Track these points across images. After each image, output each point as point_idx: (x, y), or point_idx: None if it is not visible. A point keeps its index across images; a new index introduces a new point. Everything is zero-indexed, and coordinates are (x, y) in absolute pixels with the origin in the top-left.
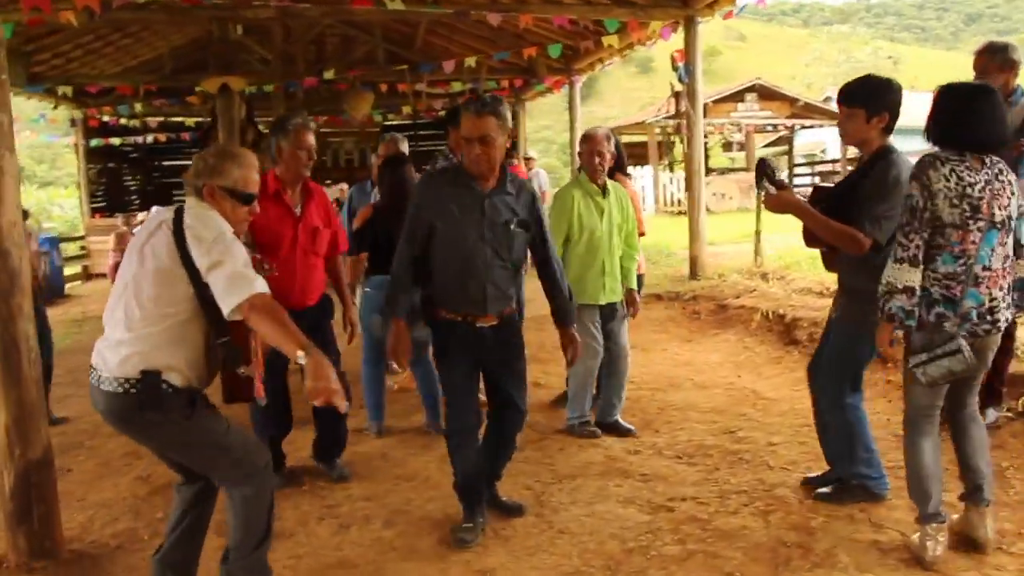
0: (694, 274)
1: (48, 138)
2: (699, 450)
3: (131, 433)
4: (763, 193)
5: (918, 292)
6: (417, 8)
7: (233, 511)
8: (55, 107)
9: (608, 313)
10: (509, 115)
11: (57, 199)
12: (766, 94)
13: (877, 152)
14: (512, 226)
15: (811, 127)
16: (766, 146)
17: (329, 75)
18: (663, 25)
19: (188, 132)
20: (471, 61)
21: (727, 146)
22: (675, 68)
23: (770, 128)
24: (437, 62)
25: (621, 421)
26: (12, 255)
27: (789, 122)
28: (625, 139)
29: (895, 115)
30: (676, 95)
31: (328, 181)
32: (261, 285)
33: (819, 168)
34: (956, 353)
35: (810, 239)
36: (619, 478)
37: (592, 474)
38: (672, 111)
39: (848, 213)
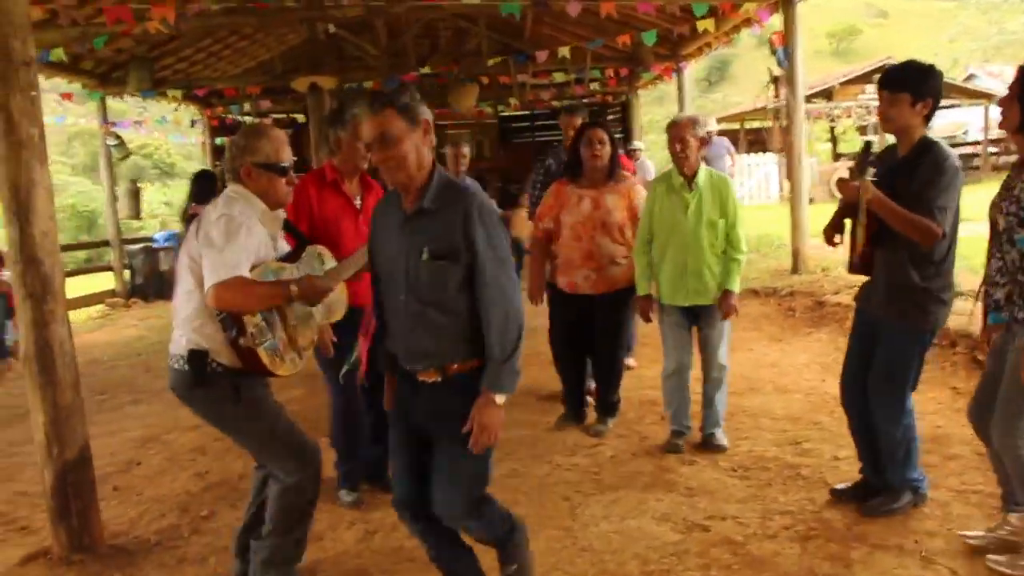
0: (796, 268)
1: (176, 138)
2: (757, 463)
3: (193, 410)
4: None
5: None
6: (492, 1)
7: (271, 496)
8: (176, 109)
9: (700, 317)
10: (422, 108)
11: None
12: None
13: (922, 142)
14: (423, 256)
15: (949, 107)
16: None
17: (425, 70)
18: (759, 7)
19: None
20: (565, 51)
21: (862, 129)
22: (774, 52)
23: None
24: (531, 52)
25: (717, 435)
26: (44, 263)
27: None
28: (749, 125)
29: (937, 102)
30: (775, 80)
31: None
32: (230, 272)
33: (960, 150)
34: None
35: (830, 233)
36: (662, 491)
37: (636, 486)
38: (774, 97)
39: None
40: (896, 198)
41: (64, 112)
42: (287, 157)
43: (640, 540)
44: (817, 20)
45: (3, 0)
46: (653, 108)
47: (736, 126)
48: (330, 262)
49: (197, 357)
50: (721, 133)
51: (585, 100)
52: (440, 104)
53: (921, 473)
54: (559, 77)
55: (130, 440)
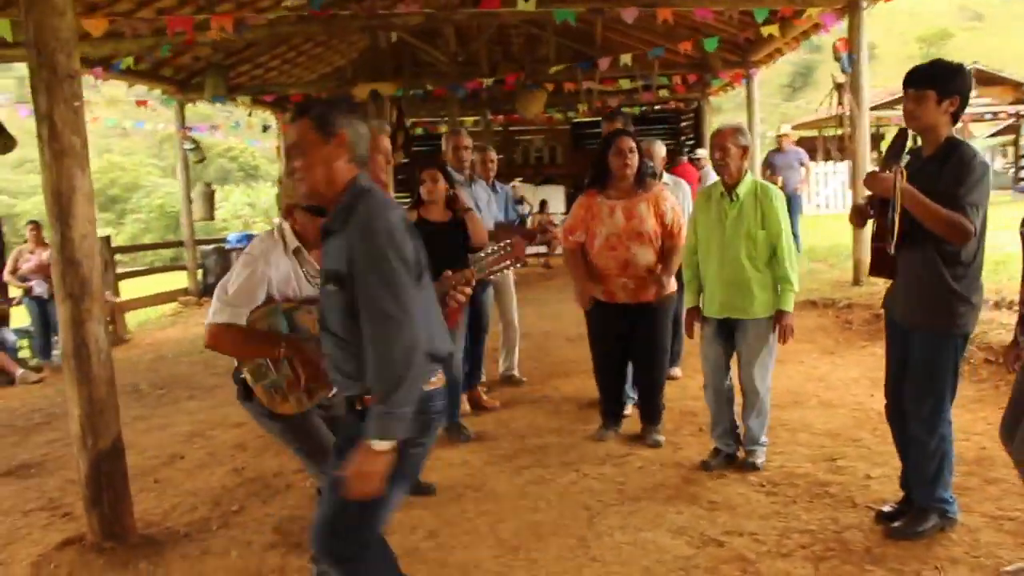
0: (857, 280)
1: (253, 143)
2: (787, 478)
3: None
4: (893, 169)
5: None
6: (548, 8)
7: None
8: (249, 114)
9: (737, 332)
10: (343, 121)
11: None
12: (985, 79)
13: (949, 142)
14: (321, 281)
15: None
16: (991, 136)
17: (487, 81)
18: (822, 12)
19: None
20: (627, 58)
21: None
22: (837, 58)
23: (989, 116)
24: (594, 59)
25: (752, 454)
26: (83, 265)
27: (1012, 108)
28: (826, 132)
29: (964, 101)
30: (839, 87)
31: (519, 178)
32: (218, 318)
33: None
34: None
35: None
36: (684, 504)
37: (659, 498)
38: (838, 106)
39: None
40: (934, 196)
41: (144, 118)
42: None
43: (652, 553)
44: (908, 24)
45: (49, 17)
46: (738, 114)
47: (814, 133)
48: None
49: (237, 373)
50: (799, 141)
51: (657, 107)
52: (509, 110)
53: (951, 495)
54: (625, 84)
55: (178, 434)
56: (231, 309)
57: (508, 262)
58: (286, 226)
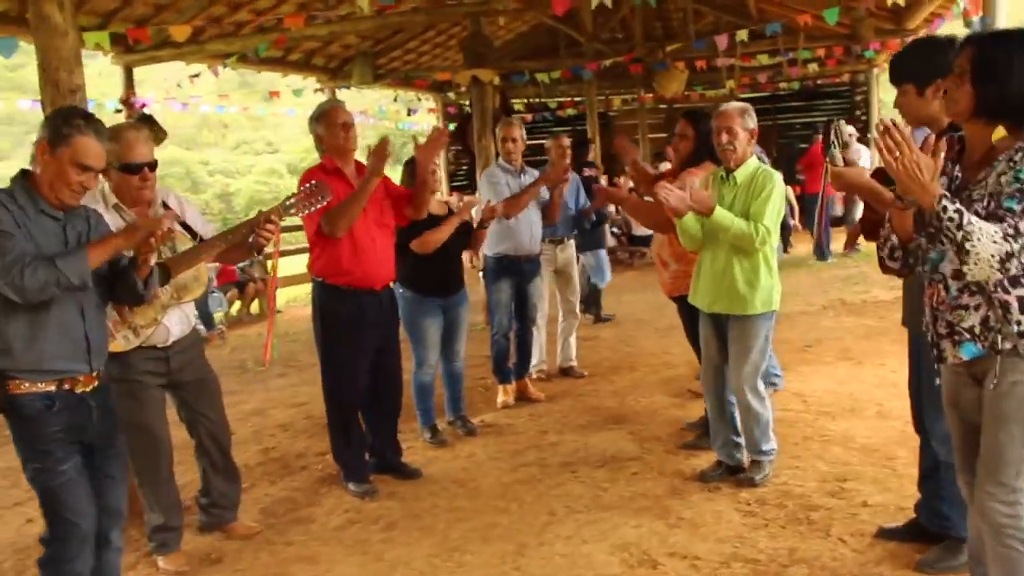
0: None
1: (404, 126)
2: (779, 498)
3: None
4: (828, 162)
5: None
6: None
7: None
8: (395, 99)
9: (726, 329)
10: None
11: None
12: None
13: (950, 127)
14: None
15: None
16: None
17: (607, 62)
18: None
19: (548, 113)
20: (742, 35)
21: None
22: (967, 23)
23: None
24: (709, 38)
25: (752, 465)
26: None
27: None
28: None
29: None
30: None
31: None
32: None
33: None
34: None
35: (869, 232)
36: (650, 518)
37: (630, 508)
38: None
39: None
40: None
41: (292, 106)
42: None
43: (578, 568)
44: None
45: (52, 38)
46: None
47: None
48: (182, 246)
49: None
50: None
51: (820, 81)
52: (647, 89)
53: None
54: (765, 59)
55: (243, 411)
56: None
57: (315, 199)
58: (105, 185)
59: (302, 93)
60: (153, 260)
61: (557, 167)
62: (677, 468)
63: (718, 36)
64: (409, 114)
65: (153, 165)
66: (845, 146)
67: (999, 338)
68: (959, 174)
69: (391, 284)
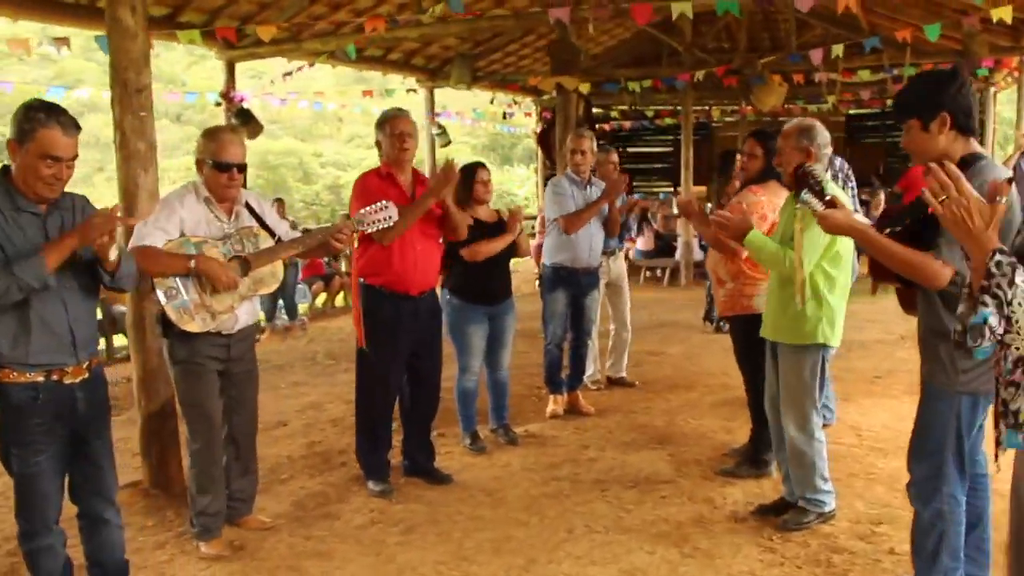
0: None
1: (504, 129)
2: (807, 536)
3: None
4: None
5: None
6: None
7: None
8: (492, 101)
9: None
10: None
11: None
12: None
13: (964, 159)
14: None
15: None
16: None
17: (699, 74)
18: None
19: (646, 121)
20: (838, 50)
21: None
22: None
23: None
24: (805, 52)
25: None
26: None
27: None
28: None
29: (960, 109)
30: None
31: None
32: (136, 242)
33: None
34: None
35: (878, 272)
36: (665, 546)
37: (648, 533)
38: None
39: (931, 239)
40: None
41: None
42: (228, 156)
43: None
44: None
45: (123, 39)
46: None
47: None
48: (264, 243)
49: (159, 315)
50: None
51: None
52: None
53: None
54: (866, 75)
55: (302, 403)
56: (147, 233)
57: (382, 219)
58: (199, 179)
59: (394, 93)
60: (113, 254)
61: (615, 181)
62: (707, 495)
63: (813, 50)
64: (505, 117)
65: (242, 167)
66: (821, 189)
67: None
68: None
69: (434, 290)
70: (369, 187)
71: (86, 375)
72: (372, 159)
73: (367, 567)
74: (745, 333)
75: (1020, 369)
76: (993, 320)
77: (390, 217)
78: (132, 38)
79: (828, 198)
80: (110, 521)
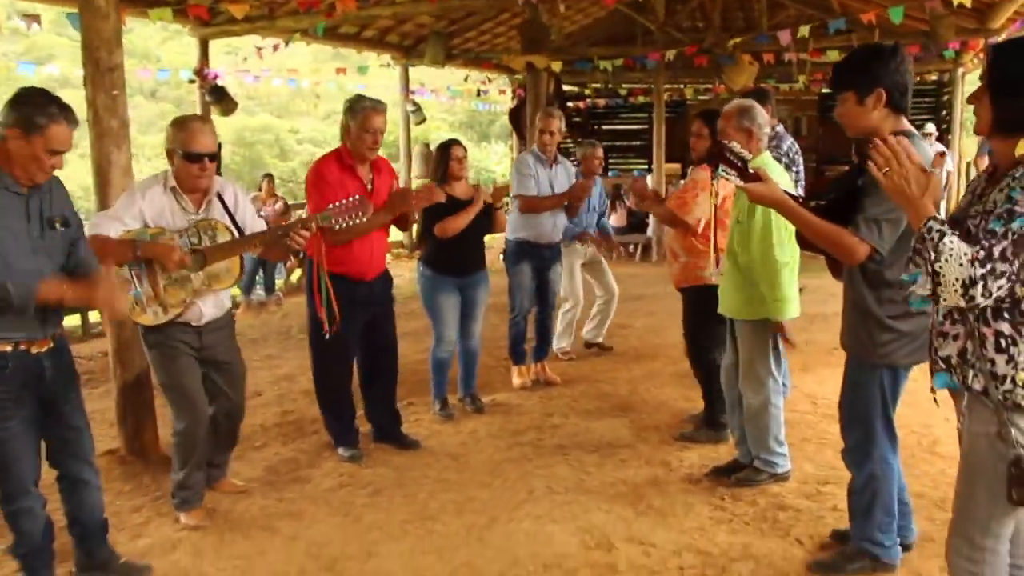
0: None
1: (480, 106)
2: (756, 495)
3: None
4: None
5: None
6: None
7: None
8: (466, 79)
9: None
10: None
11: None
12: None
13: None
14: None
15: None
16: None
17: (671, 53)
18: None
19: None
20: (804, 31)
21: None
22: None
23: None
24: (774, 33)
25: (748, 471)
26: None
27: None
28: None
29: (896, 87)
30: None
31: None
32: (91, 231)
33: None
34: None
35: (803, 242)
36: (622, 504)
37: (606, 494)
38: None
39: (851, 214)
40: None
41: (362, 82)
42: (199, 146)
43: (536, 546)
44: None
45: (94, 19)
46: None
47: None
48: (222, 237)
49: None
50: None
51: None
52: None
53: (889, 539)
54: (834, 56)
55: (275, 375)
56: (101, 223)
57: (354, 215)
58: (168, 169)
59: (367, 70)
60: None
61: (580, 187)
62: (664, 459)
63: (781, 31)
64: (479, 95)
65: (213, 156)
66: (743, 163)
67: (971, 373)
68: (982, 191)
69: (386, 270)
70: (328, 180)
71: (51, 344)
72: None
73: (336, 526)
74: (697, 303)
75: (948, 320)
76: (921, 279)
77: (363, 214)
78: (104, 18)
79: (752, 172)
80: (89, 482)
